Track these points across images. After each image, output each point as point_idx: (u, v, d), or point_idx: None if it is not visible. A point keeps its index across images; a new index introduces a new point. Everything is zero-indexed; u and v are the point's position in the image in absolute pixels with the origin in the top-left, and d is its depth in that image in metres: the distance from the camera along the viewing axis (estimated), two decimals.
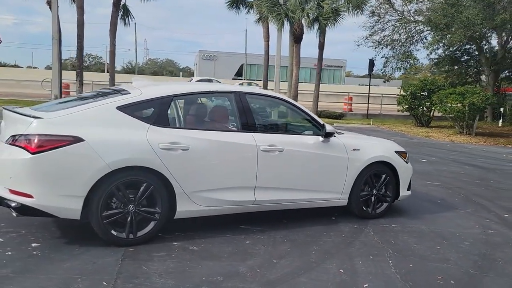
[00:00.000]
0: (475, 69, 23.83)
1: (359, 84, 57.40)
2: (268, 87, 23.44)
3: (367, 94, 23.56)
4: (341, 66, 70.03)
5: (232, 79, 57.77)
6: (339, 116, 22.45)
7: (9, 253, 3.81)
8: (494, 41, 22.26)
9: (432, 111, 19.58)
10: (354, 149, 5.23)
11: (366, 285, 3.58)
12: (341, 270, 3.83)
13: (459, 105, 16.50)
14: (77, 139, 3.84)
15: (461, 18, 17.18)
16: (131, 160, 4.05)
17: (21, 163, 3.78)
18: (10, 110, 4.26)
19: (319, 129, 5.08)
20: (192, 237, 4.40)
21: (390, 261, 4.12)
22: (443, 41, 21.49)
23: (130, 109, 4.19)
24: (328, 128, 4.98)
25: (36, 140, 3.78)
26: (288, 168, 4.84)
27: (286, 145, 4.79)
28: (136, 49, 79.91)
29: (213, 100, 5.56)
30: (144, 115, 4.29)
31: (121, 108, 4.16)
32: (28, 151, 3.76)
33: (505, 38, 21.78)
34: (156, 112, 4.34)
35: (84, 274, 3.46)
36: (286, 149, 4.77)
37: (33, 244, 4.02)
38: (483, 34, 20.29)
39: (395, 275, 3.81)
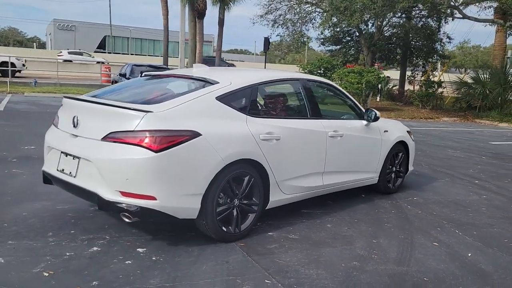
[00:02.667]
0: (357, 50, 26.27)
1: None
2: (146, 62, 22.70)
3: None
4: (210, 41, 70.27)
5: (94, 52, 54.08)
6: None
7: (128, 261, 3.44)
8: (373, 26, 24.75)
9: None
10: (385, 131, 5.70)
11: (470, 254, 4.11)
12: (435, 244, 4.29)
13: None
14: (195, 134, 3.58)
15: (358, 2, 18.77)
16: (242, 153, 3.91)
17: (143, 163, 3.40)
18: (96, 102, 3.76)
19: (361, 114, 5.41)
20: (274, 226, 4.41)
21: (456, 230, 4.71)
22: (329, 23, 23.17)
23: (227, 100, 3.99)
24: (378, 113, 5.35)
25: (158, 137, 3.42)
26: (345, 152, 5.10)
27: (344, 130, 5.03)
28: None
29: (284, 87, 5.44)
30: (238, 105, 4.12)
31: (220, 99, 3.95)
32: (150, 149, 3.40)
33: (383, 23, 24.39)
34: (248, 102, 4.20)
35: (236, 275, 3.32)
36: (345, 134, 5.01)
37: (140, 250, 3.66)
38: (366, 19, 22.39)
39: (472, 241, 4.41)
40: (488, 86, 20.59)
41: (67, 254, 3.49)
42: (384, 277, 3.47)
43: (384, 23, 24.43)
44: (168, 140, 3.45)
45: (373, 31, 24.83)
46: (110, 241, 3.82)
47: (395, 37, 25.41)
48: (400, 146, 6.04)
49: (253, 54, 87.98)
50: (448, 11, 21.20)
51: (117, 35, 65.24)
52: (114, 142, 3.51)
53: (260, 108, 4.50)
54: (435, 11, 21.01)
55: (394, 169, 5.98)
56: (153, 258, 3.53)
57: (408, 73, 26.29)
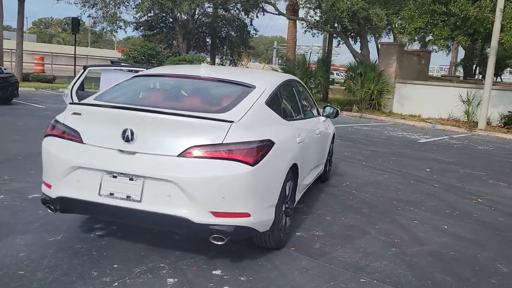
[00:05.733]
0: (172, 36, 26.14)
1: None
2: None
3: (73, 55, 22.11)
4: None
5: None
6: (51, 80, 20.37)
7: (226, 287, 3.16)
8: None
9: None
10: (329, 125, 6.29)
11: (446, 226, 5.04)
12: (416, 222, 5.10)
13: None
14: (271, 142, 3.47)
15: None
16: (294, 158, 3.94)
17: (241, 178, 3.15)
18: (157, 112, 3.23)
19: (318, 110, 5.86)
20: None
21: (411, 208, 5.65)
22: (145, 7, 22.55)
23: (270, 104, 3.92)
24: (338, 110, 5.86)
25: (250, 149, 3.22)
26: (320, 148, 5.50)
27: (320, 127, 5.41)
28: None
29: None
30: (277, 109, 4.06)
31: (267, 104, 3.85)
32: (246, 163, 3.17)
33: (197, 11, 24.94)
34: (280, 106, 4.19)
35: (334, 280, 3.43)
36: (321, 131, 5.40)
37: (216, 272, 3.37)
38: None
39: (431, 215, 5.39)
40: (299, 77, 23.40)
41: None
42: (427, 257, 4.06)
43: (198, 11, 25.03)
44: (259, 151, 3.28)
45: (187, 18, 25.15)
46: (173, 269, 3.39)
47: (205, 26, 26.32)
48: (333, 136, 6.75)
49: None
50: (261, 5, 23.04)
51: None
52: (199, 158, 3.13)
53: (286, 111, 4.50)
54: (247, 5, 22.62)
55: (329, 157, 6.66)
56: (242, 279, 3.33)
57: (218, 60, 27.65)
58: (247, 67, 24.31)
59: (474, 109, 17.82)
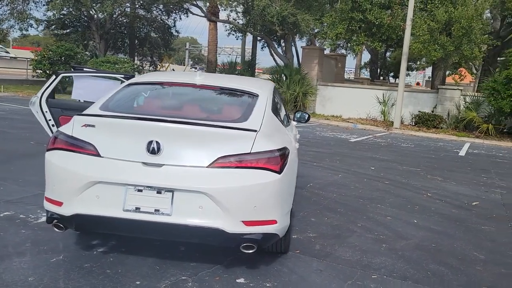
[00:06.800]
0: (88, 36, 24.73)
1: None
2: None
3: None
4: None
5: None
6: None
7: None
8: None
9: None
10: (296, 129, 6.49)
11: (415, 221, 5.47)
12: (388, 218, 5.48)
13: None
14: (288, 150, 3.56)
15: None
16: (297, 162, 4.06)
17: (271, 186, 3.21)
18: (181, 122, 3.18)
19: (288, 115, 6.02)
20: None
21: (378, 205, 6.04)
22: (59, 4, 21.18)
23: (273, 111, 4.00)
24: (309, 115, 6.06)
25: (275, 157, 3.28)
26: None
27: (296, 132, 5.58)
28: None
29: None
30: (278, 116, 4.14)
31: (273, 111, 3.93)
32: (274, 171, 3.24)
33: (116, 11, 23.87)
34: (278, 112, 4.27)
35: (348, 279, 3.62)
36: (297, 135, 5.58)
37: (240, 280, 3.40)
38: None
39: (398, 210, 5.82)
40: None
41: None
42: (416, 251, 4.41)
43: (117, 11, 24.04)
44: (281, 159, 3.36)
45: (105, 18, 24.05)
46: (196, 280, 3.36)
47: (124, 26, 25.38)
48: None
49: None
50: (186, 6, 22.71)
51: None
52: (229, 168, 3.13)
53: (282, 117, 4.55)
54: (170, 6, 22.24)
55: None
56: (267, 285, 3.40)
57: (137, 62, 26.80)
58: (173, 70, 23.84)
59: (389, 109, 19.30)
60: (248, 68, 21.39)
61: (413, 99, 19.51)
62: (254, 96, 3.94)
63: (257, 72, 27.07)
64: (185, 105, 3.96)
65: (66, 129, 3.34)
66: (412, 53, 18.30)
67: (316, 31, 20.83)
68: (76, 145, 3.21)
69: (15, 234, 3.96)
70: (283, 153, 3.39)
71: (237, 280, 3.41)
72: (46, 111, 4.89)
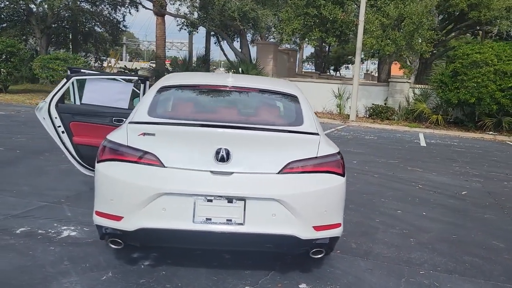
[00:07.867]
0: (28, 31, 23.12)
1: None
2: None
3: None
4: None
5: None
6: None
7: None
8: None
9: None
10: None
11: (424, 213, 5.65)
12: (399, 211, 5.62)
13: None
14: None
15: None
16: None
17: (339, 190, 3.20)
18: (246, 128, 3.07)
19: None
20: None
21: (382, 199, 6.19)
22: None
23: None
24: None
25: (337, 161, 3.26)
26: None
27: None
28: None
29: None
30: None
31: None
32: (340, 174, 3.22)
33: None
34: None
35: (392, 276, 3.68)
36: None
37: (302, 286, 3.33)
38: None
39: (400, 203, 6.00)
40: None
41: None
42: (443, 243, 4.56)
43: (62, 4, 22.70)
44: (342, 161, 3.33)
45: (45, 11, 22.64)
46: None
47: (66, 20, 24.06)
48: None
49: None
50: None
51: None
52: (299, 173, 3.07)
53: None
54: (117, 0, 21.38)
55: None
56: None
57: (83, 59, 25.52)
58: (125, 66, 22.95)
59: (344, 102, 19.83)
60: (203, 63, 21.03)
61: (365, 92, 20.17)
62: (293, 97, 3.87)
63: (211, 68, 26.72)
64: (236, 109, 3.81)
65: (118, 138, 3.11)
66: (365, 48, 18.91)
67: (272, 26, 20.88)
68: (135, 156, 2.99)
69: (46, 252, 3.64)
70: (342, 156, 3.36)
71: (299, 286, 3.35)
72: (55, 117, 4.52)
